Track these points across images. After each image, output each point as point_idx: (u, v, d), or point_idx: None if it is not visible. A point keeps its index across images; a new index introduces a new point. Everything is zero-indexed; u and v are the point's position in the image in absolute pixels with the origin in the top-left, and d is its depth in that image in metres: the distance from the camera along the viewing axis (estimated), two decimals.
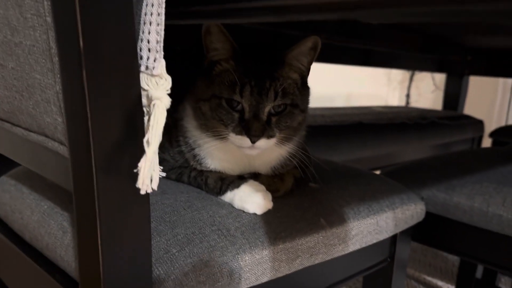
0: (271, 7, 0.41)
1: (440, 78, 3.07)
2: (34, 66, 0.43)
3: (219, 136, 0.62)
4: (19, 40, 0.44)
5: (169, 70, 0.43)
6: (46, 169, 0.51)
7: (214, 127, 0.62)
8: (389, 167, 1.67)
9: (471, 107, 2.47)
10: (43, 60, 0.41)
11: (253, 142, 0.59)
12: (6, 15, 0.44)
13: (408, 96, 3.65)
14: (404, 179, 0.92)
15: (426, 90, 3.48)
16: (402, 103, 3.71)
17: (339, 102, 3.39)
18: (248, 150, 0.61)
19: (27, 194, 0.68)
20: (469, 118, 2.10)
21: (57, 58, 0.39)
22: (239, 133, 0.60)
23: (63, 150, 0.44)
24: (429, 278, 1.66)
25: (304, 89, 0.66)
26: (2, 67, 0.49)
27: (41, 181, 0.69)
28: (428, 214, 0.84)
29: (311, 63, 0.65)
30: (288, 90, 0.62)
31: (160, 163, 0.43)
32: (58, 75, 0.40)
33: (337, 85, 3.15)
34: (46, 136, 0.47)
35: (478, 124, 2.10)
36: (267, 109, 0.60)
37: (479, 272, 1.42)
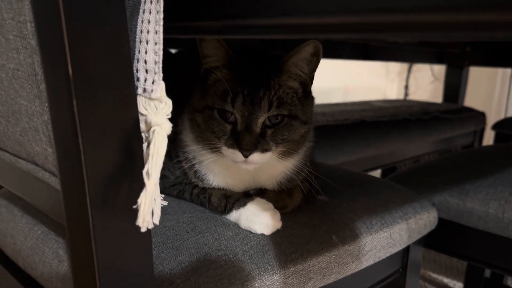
0: (285, 26, 0.36)
1: (439, 69, 3.03)
2: (19, 92, 0.39)
3: (213, 149, 0.58)
4: (2, 63, 0.40)
5: (165, 76, 0.39)
6: (36, 199, 0.47)
7: (208, 139, 0.58)
8: (391, 164, 1.65)
9: (470, 98, 2.44)
10: (29, 86, 0.37)
11: (245, 156, 0.54)
12: None
13: (406, 87, 3.62)
14: (413, 183, 0.88)
15: (424, 81, 3.45)
16: (401, 95, 3.67)
17: (337, 96, 3.35)
18: (243, 164, 0.56)
19: (19, 217, 0.64)
20: (471, 110, 2.06)
21: (44, 85, 0.35)
22: (231, 146, 0.55)
23: (55, 182, 0.41)
24: (434, 275, 1.63)
25: (307, 99, 0.61)
26: None
27: None
28: (440, 220, 0.81)
29: (314, 70, 0.60)
30: (285, 100, 0.57)
31: (160, 179, 0.39)
32: (46, 103, 0.36)
33: (334, 79, 3.11)
34: (36, 164, 0.43)
35: (480, 117, 2.07)
36: (260, 120, 0.56)
37: (488, 270, 1.39)
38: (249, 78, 0.56)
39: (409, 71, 3.56)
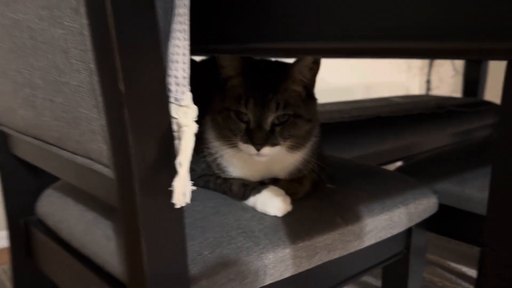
0: (301, 50, 0.46)
1: (460, 62, 3.05)
2: (80, 102, 0.51)
3: (231, 144, 0.69)
4: (66, 80, 0.51)
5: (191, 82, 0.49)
6: (92, 187, 0.59)
7: (226, 136, 0.69)
8: (408, 158, 1.71)
9: (491, 92, 2.46)
10: (88, 98, 0.49)
11: (257, 149, 0.65)
12: (54, 59, 0.52)
13: (428, 82, 3.64)
14: (418, 173, 0.97)
15: (446, 76, 3.46)
16: (423, 90, 3.69)
17: (358, 92, 3.40)
18: (256, 157, 0.67)
19: (72, 206, 0.76)
20: (488, 104, 2.10)
21: (101, 98, 0.47)
22: (245, 141, 0.66)
23: (108, 172, 0.52)
24: (454, 265, 1.69)
25: (310, 100, 0.71)
26: (51, 102, 0.56)
27: (84, 193, 0.77)
28: (442, 206, 0.89)
29: (315, 76, 0.70)
30: (290, 102, 0.67)
31: (189, 173, 0.50)
32: (103, 112, 0.47)
33: (355, 76, 3.17)
34: (92, 159, 0.55)
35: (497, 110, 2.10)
36: (270, 120, 0.66)
37: None
38: (260, 84, 0.66)
39: (430, 65, 3.58)
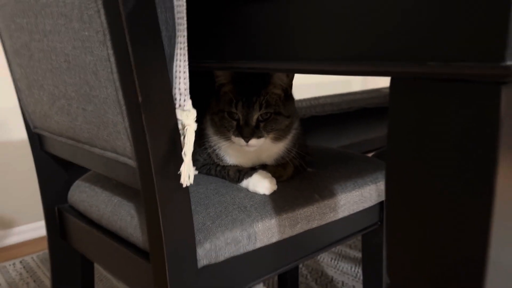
0: (274, 69, 0.60)
1: None
2: (107, 110, 0.67)
3: (226, 138, 0.85)
4: (96, 94, 0.68)
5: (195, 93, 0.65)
6: (118, 175, 0.75)
7: (222, 132, 0.86)
8: None
9: None
10: (114, 107, 0.65)
11: (246, 141, 0.82)
12: (86, 78, 0.68)
13: None
14: None
15: None
16: None
17: (356, 84, 3.55)
18: (246, 147, 0.84)
19: (99, 193, 0.93)
20: None
21: (124, 107, 0.63)
22: (236, 135, 0.83)
23: (131, 163, 0.68)
24: None
25: (288, 100, 0.88)
26: (83, 110, 0.73)
27: (108, 182, 0.94)
28: None
29: (291, 81, 0.87)
30: (271, 102, 0.83)
31: (194, 163, 0.66)
32: (126, 117, 0.63)
33: None
34: (117, 153, 0.71)
35: None
36: (255, 117, 0.83)
37: None
38: (247, 89, 0.83)
39: None
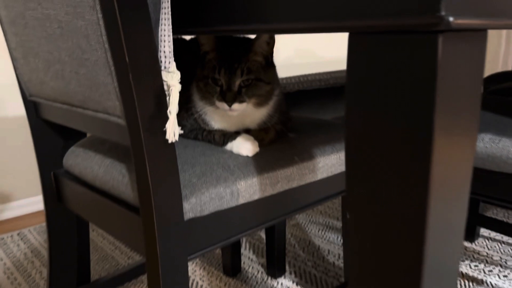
0: (254, 30, 0.65)
1: None
2: (98, 72, 0.72)
3: (211, 103, 0.90)
4: (87, 57, 0.73)
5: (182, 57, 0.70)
6: (110, 134, 0.81)
7: (207, 97, 0.91)
8: None
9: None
10: (104, 68, 0.70)
11: (229, 106, 0.87)
12: (78, 42, 0.73)
13: None
14: None
15: None
16: None
17: None
18: (229, 112, 0.89)
19: (93, 156, 0.98)
20: None
21: (113, 68, 0.68)
22: (220, 100, 0.88)
23: (121, 122, 0.74)
24: None
25: (269, 68, 0.93)
26: (76, 73, 0.78)
27: (101, 146, 0.99)
28: None
29: (272, 48, 0.92)
30: (252, 69, 0.88)
31: (182, 128, 0.72)
32: (115, 77, 0.69)
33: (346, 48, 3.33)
34: (108, 114, 0.76)
35: None
36: (237, 83, 0.88)
37: None
38: (229, 56, 0.88)
39: None
